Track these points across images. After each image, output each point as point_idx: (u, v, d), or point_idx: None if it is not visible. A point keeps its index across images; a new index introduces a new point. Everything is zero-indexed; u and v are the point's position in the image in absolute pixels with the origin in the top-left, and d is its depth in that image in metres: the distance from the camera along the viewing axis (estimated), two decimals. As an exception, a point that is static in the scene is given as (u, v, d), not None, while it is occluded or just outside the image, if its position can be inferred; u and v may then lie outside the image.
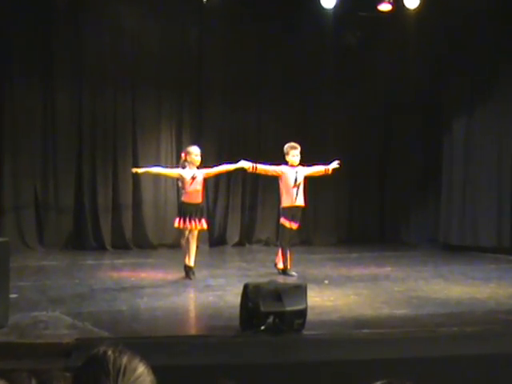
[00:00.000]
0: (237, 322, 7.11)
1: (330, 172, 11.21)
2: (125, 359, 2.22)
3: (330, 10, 13.71)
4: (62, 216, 13.54)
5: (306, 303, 7.10)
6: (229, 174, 13.25)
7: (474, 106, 14.11)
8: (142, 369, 2.24)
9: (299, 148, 10.96)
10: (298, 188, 10.86)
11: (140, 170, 10.79)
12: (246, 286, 7.13)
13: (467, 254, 13.62)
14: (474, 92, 14.07)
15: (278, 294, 7.01)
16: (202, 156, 10.50)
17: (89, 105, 13.71)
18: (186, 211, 10.26)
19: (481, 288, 9.88)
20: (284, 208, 10.94)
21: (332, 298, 8.97)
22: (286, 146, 11.02)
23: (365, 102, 15.19)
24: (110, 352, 2.23)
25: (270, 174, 11.16)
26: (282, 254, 10.87)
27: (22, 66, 13.27)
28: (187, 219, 10.22)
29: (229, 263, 13.03)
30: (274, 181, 11.44)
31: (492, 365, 6.31)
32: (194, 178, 10.28)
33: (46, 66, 13.46)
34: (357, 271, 11.46)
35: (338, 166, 11.14)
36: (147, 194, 14.02)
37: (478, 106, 14.06)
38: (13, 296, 8.58)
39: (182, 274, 10.37)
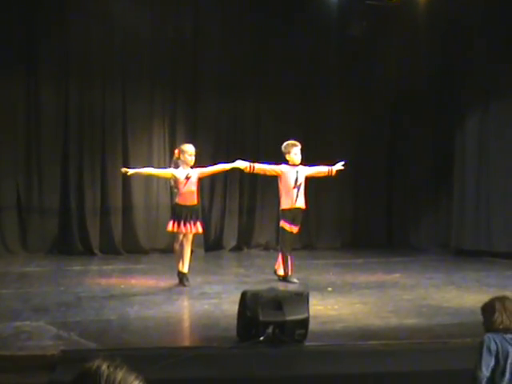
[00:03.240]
0: (234, 333, 7.09)
1: (333, 174, 11.19)
2: (119, 375, 2.19)
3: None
4: (46, 218, 13.52)
5: (308, 312, 7.09)
6: (225, 173, 13.24)
7: (489, 103, 14.07)
8: None
9: (300, 145, 10.96)
10: (299, 189, 10.84)
11: (130, 171, 10.69)
12: (243, 294, 7.11)
13: (481, 259, 13.61)
14: (490, 87, 14.03)
15: (278, 302, 7.00)
16: (196, 154, 10.49)
17: (75, 100, 13.69)
18: (180, 214, 10.23)
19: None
20: (284, 210, 10.92)
21: (336, 307, 8.96)
22: (286, 144, 11.00)
23: (371, 96, 15.20)
24: (104, 366, 2.20)
25: (268, 173, 11.13)
26: (283, 260, 10.85)
27: (3, 58, 13.23)
28: (181, 222, 10.20)
29: (225, 269, 13.01)
30: (273, 181, 11.43)
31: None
32: (188, 178, 10.26)
33: (29, 58, 13.45)
34: (362, 278, 11.45)
35: (342, 168, 11.13)
36: (138, 195, 14.01)
37: (493, 103, 14.02)
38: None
39: (176, 280, 10.36)
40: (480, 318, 5.25)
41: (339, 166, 11.12)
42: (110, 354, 2.36)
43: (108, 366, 2.20)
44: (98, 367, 2.20)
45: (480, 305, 5.36)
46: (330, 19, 14.55)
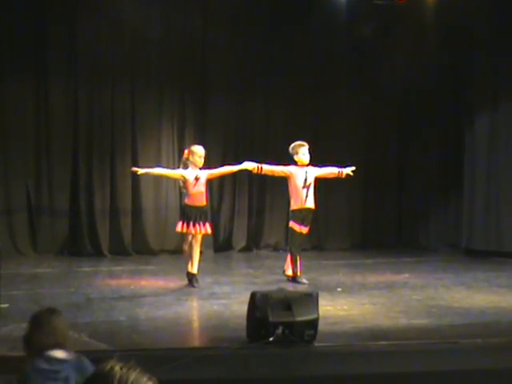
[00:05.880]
0: (243, 333, 7.10)
1: (343, 176, 11.18)
2: (132, 376, 2.20)
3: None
4: (56, 220, 13.55)
5: (318, 313, 7.09)
6: (234, 174, 13.24)
7: (498, 102, 14.06)
8: None
9: (307, 145, 10.96)
10: (308, 189, 10.84)
11: (140, 171, 10.73)
12: (253, 295, 7.12)
13: (491, 259, 13.58)
14: (499, 87, 14.01)
15: (287, 302, 7.00)
16: (205, 155, 10.49)
17: (85, 101, 13.71)
18: (190, 214, 10.25)
19: (506, 296, 9.85)
20: (293, 211, 10.93)
21: (345, 307, 8.96)
22: (294, 145, 10.99)
23: (380, 97, 15.18)
24: (117, 367, 2.22)
25: (277, 174, 11.13)
26: (292, 260, 10.85)
27: (13, 60, 13.26)
28: (190, 223, 10.21)
29: (235, 270, 13.02)
30: (282, 182, 11.43)
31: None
32: (197, 179, 10.27)
33: (39, 60, 13.47)
34: (372, 278, 11.44)
35: (352, 173, 11.11)
36: (147, 197, 14.02)
37: (502, 102, 14.00)
38: (4, 306, 8.61)
39: (185, 281, 10.38)
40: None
41: (349, 170, 11.10)
42: (123, 355, 2.37)
43: (121, 367, 2.21)
44: (111, 368, 2.21)
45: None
46: (338, 20, 14.55)
